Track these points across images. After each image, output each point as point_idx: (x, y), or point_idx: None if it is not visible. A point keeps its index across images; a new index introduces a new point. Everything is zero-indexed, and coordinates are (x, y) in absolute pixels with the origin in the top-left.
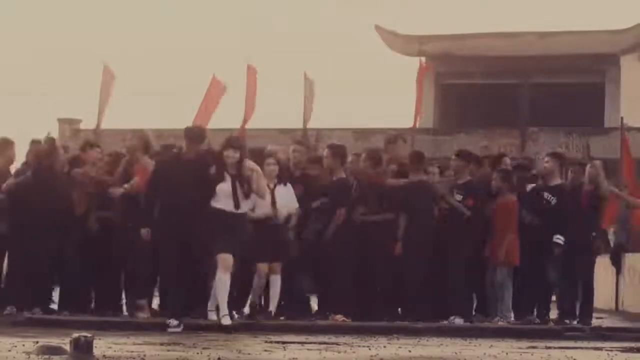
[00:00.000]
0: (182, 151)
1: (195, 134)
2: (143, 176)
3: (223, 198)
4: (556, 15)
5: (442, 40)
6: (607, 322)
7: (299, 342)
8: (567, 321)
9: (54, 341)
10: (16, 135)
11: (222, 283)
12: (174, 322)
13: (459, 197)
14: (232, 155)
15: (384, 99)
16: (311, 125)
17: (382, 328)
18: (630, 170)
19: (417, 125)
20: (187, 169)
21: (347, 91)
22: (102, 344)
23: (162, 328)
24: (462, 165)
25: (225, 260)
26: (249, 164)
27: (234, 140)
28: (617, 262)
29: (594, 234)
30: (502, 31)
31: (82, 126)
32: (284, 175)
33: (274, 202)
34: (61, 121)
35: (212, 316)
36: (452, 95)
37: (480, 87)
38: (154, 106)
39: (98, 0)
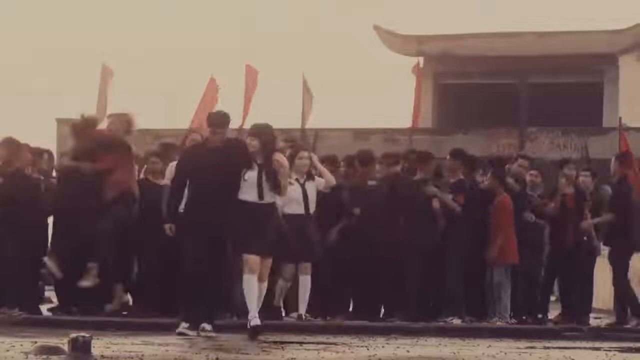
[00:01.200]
0: (208, 139)
1: (218, 118)
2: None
3: (249, 188)
4: (555, 15)
5: (440, 40)
6: (605, 321)
7: (297, 342)
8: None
9: (52, 341)
10: (16, 136)
11: (249, 285)
12: (207, 326)
13: (449, 197)
14: (249, 142)
15: (383, 99)
16: (310, 125)
17: (380, 328)
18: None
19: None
20: (214, 159)
21: (345, 91)
22: (100, 344)
23: (162, 328)
24: (456, 164)
25: (250, 262)
26: (279, 157)
27: (254, 128)
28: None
29: (585, 237)
30: (500, 31)
31: None
32: (312, 170)
33: (305, 198)
34: (60, 121)
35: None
36: (451, 95)
37: (479, 87)
38: (152, 106)
39: (97, 0)
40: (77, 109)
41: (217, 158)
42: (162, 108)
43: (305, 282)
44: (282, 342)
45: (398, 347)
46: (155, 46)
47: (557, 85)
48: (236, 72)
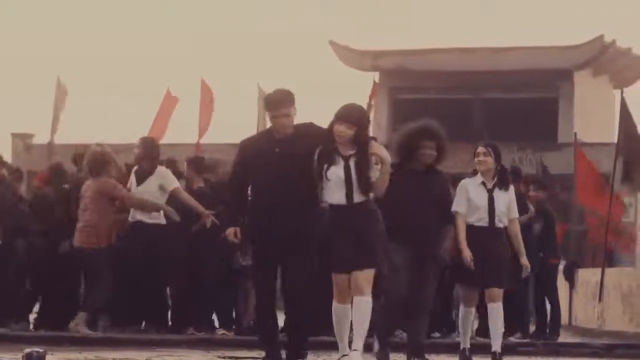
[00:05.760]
0: (272, 128)
1: (282, 97)
2: None
3: (333, 188)
4: (510, 31)
5: (396, 55)
6: (561, 337)
7: (252, 358)
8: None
9: (6, 356)
10: None
11: (338, 315)
12: None
13: None
14: (342, 130)
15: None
16: None
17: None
18: (587, 185)
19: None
20: (282, 152)
21: (300, 106)
22: (54, 359)
23: (116, 343)
24: None
25: (337, 283)
26: (379, 149)
27: (347, 111)
28: (570, 278)
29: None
30: (456, 46)
31: (34, 141)
32: (504, 177)
33: (491, 207)
34: (14, 136)
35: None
36: (406, 110)
37: (434, 102)
38: (106, 120)
39: (52, 10)
40: (30, 124)
41: (286, 151)
42: (116, 122)
43: (497, 311)
44: (237, 358)
45: None
46: (109, 58)
47: (513, 101)
48: (192, 84)
